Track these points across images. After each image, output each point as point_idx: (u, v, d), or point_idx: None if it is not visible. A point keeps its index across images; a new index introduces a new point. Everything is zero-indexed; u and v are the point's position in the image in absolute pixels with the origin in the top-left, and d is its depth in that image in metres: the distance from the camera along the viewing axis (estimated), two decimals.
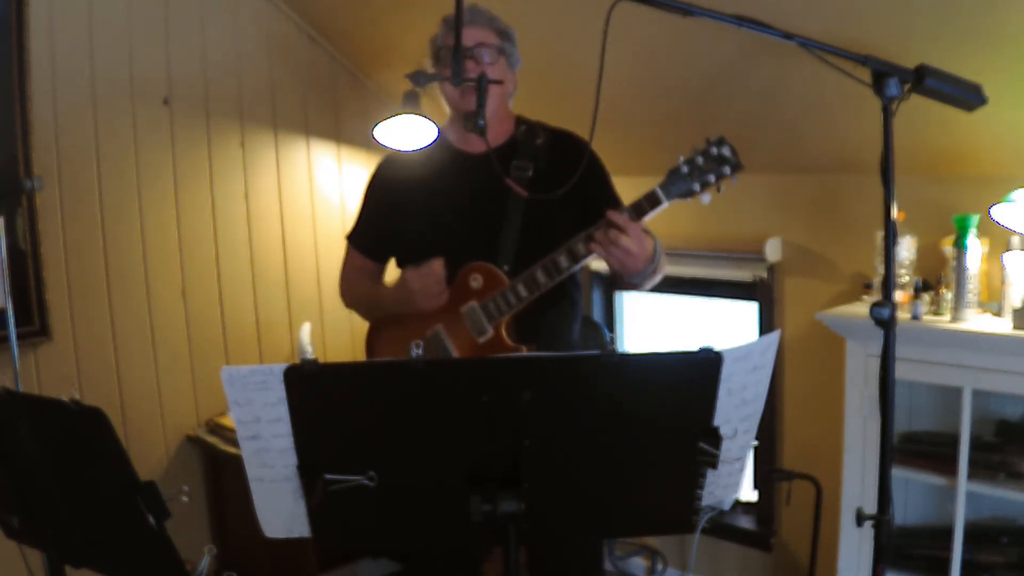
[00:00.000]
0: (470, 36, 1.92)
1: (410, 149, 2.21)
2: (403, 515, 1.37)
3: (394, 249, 2.15)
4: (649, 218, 1.82)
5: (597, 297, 3.45)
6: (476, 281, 1.94)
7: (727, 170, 1.78)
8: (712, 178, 1.78)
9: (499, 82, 1.99)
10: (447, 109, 2.07)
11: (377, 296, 2.12)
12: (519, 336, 1.96)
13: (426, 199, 2.04)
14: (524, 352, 1.93)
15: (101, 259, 2.94)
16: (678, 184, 1.79)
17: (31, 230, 2.73)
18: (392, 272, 2.20)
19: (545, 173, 1.97)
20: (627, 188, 2.41)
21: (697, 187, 1.78)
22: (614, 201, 2.05)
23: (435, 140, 2.14)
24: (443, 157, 2.08)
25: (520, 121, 2.09)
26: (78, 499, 1.50)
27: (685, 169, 1.79)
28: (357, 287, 2.20)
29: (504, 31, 2.01)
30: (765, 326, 2.99)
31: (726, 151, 1.78)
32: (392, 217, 2.09)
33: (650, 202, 1.80)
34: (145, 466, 3.03)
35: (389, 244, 2.15)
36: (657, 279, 1.98)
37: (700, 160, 1.79)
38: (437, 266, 1.93)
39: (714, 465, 1.32)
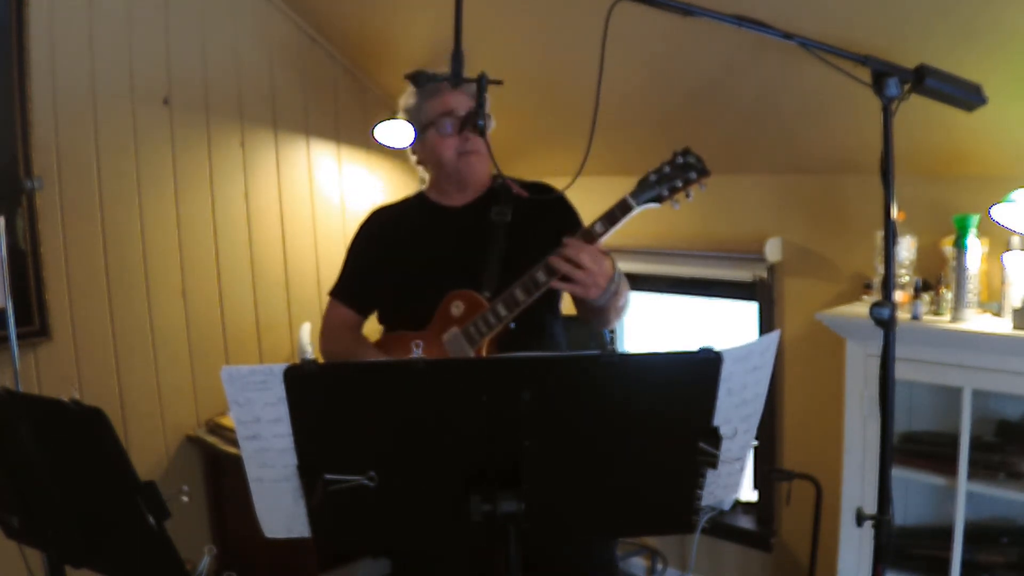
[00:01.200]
0: (459, 102, 2.01)
1: (392, 204, 2.28)
2: (403, 515, 1.37)
3: (378, 301, 2.18)
4: (621, 225, 1.86)
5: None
6: (457, 308, 1.98)
7: (693, 175, 1.84)
8: (679, 183, 1.84)
9: (499, 82, 2.00)
10: (426, 175, 2.16)
11: (357, 355, 2.12)
12: None
13: (411, 248, 2.10)
14: None
15: (101, 259, 2.94)
16: (647, 191, 1.85)
17: (31, 230, 2.73)
18: (371, 325, 2.22)
19: (523, 216, 2.04)
20: (627, 187, 2.41)
21: (665, 192, 1.85)
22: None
23: (415, 200, 2.21)
24: (424, 212, 2.16)
25: (495, 176, 2.13)
26: (78, 499, 1.50)
27: (653, 178, 1.86)
28: (342, 342, 2.19)
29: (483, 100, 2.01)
30: (765, 326, 2.99)
31: (691, 159, 1.85)
32: (378, 270, 2.13)
33: (621, 209, 1.85)
34: (145, 466, 3.03)
35: (374, 296, 2.17)
36: (621, 307, 1.98)
37: (667, 169, 1.86)
38: (426, 337, 1.97)
39: (714, 465, 1.32)
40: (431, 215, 2.14)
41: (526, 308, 1.89)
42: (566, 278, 1.82)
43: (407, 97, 2.12)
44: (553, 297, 2.07)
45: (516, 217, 2.04)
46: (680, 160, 1.85)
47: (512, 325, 1.93)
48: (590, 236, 1.84)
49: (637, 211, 1.85)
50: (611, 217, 1.85)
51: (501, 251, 2.00)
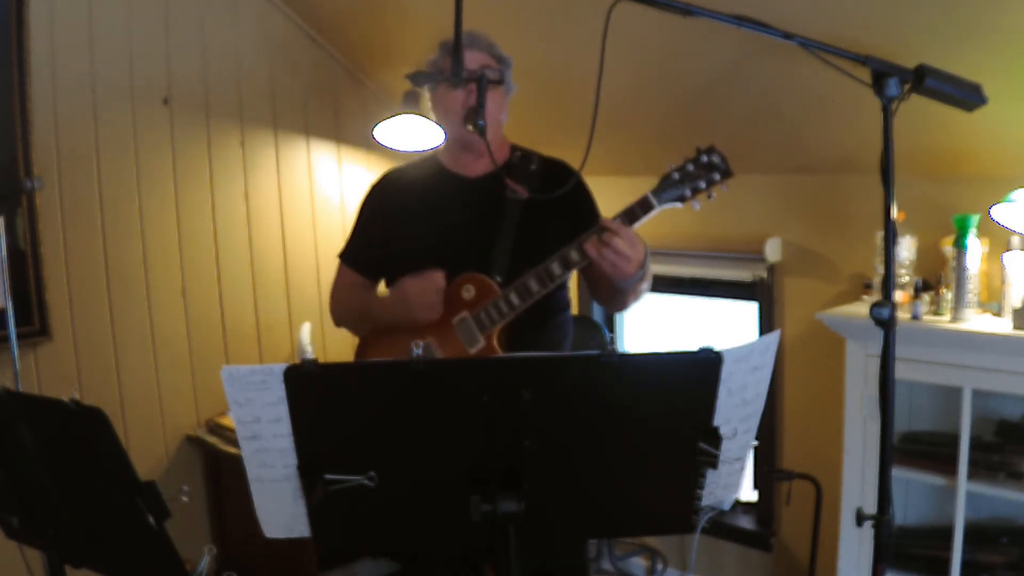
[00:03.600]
0: (472, 59, 1.96)
1: (407, 160, 2.22)
2: (403, 515, 1.37)
3: (387, 267, 2.14)
4: (640, 223, 1.85)
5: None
6: (468, 292, 1.95)
7: (717, 176, 1.83)
8: (703, 184, 1.83)
9: (500, 81, 2.02)
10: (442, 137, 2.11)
11: (369, 306, 2.11)
12: (510, 347, 1.97)
13: (422, 219, 2.06)
14: None
15: (101, 259, 2.94)
16: (669, 190, 1.83)
17: (31, 230, 2.73)
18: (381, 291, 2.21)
19: (540, 196, 2.00)
20: (627, 188, 2.41)
21: (688, 192, 1.83)
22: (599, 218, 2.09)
23: (429, 164, 2.15)
24: (438, 180, 2.10)
25: (515, 148, 2.11)
26: (78, 499, 1.50)
27: (676, 176, 1.84)
28: (348, 300, 2.18)
29: (502, 57, 2.04)
30: (765, 326, 2.99)
31: (716, 159, 1.83)
32: (387, 235, 2.10)
33: (642, 207, 1.84)
34: (145, 466, 3.03)
35: (382, 262, 2.14)
36: (642, 292, 1.99)
37: (691, 167, 1.83)
38: (438, 276, 1.94)
39: (714, 465, 1.32)
40: (446, 183, 2.08)
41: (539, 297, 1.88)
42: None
43: (432, 53, 2.07)
44: (562, 284, 2.03)
45: (532, 198, 2.00)
46: (704, 159, 1.83)
47: (522, 313, 1.92)
48: (631, 218, 1.82)
49: (658, 210, 1.83)
50: (631, 214, 1.84)
51: (513, 231, 1.97)
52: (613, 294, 1.98)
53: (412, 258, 2.03)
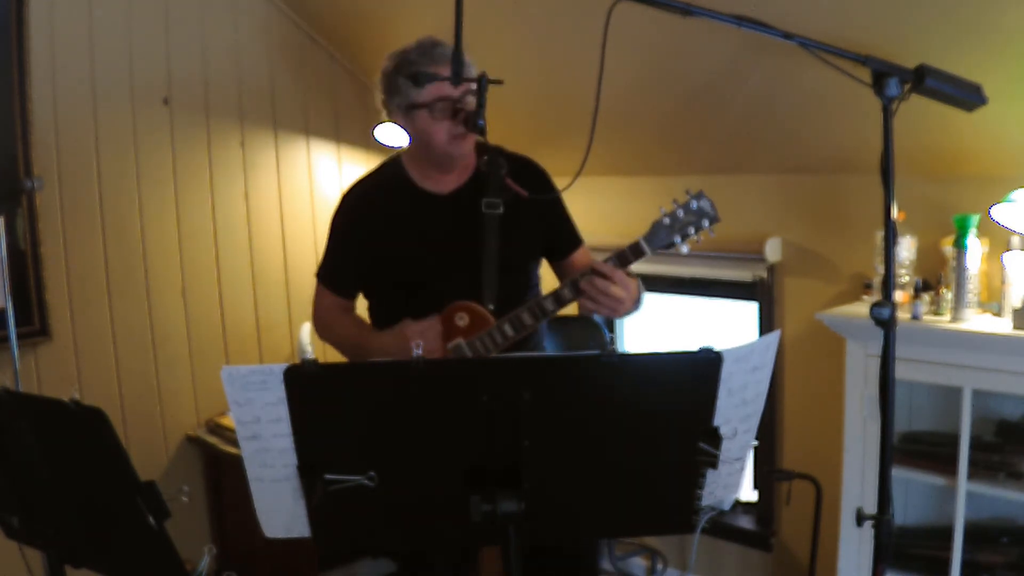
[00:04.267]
0: (457, 88, 1.93)
1: (369, 183, 2.17)
2: (403, 515, 1.37)
3: (366, 287, 2.14)
4: (630, 267, 1.90)
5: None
6: (462, 319, 1.96)
7: (705, 223, 1.89)
8: (691, 231, 1.88)
9: (499, 82, 2.00)
10: (407, 143, 2.06)
11: (361, 338, 2.10)
12: None
13: (401, 239, 2.04)
14: None
15: (101, 259, 2.94)
16: (660, 236, 1.89)
17: (31, 230, 2.73)
18: (361, 306, 2.21)
19: (513, 205, 2.00)
20: (627, 188, 2.41)
21: (678, 239, 1.88)
22: (569, 222, 2.17)
23: (396, 179, 2.10)
24: (409, 196, 2.06)
25: (479, 149, 2.06)
26: (78, 499, 1.50)
27: (667, 221, 1.88)
28: (339, 327, 2.16)
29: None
30: (765, 326, 2.99)
31: (705, 204, 1.88)
32: (363, 255, 2.08)
33: (634, 253, 1.89)
34: (145, 466, 3.00)
35: (361, 281, 2.14)
36: (635, 313, 2.03)
37: (680, 213, 1.88)
38: (437, 324, 1.97)
39: (714, 465, 1.32)
40: (419, 203, 2.05)
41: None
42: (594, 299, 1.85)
43: (390, 65, 2.01)
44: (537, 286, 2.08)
45: (508, 209, 2.00)
46: (694, 205, 1.87)
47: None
48: (624, 262, 1.87)
49: (648, 256, 1.89)
50: (623, 258, 1.88)
51: (496, 247, 1.98)
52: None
53: (397, 280, 2.05)
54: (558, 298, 1.89)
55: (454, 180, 2.06)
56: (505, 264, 1.99)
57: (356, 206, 2.12)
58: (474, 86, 1.86)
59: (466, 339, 1.96)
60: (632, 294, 1.89)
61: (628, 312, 1.93)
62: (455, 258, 2.00)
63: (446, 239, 2.02)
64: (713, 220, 1.88)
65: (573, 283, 1.87)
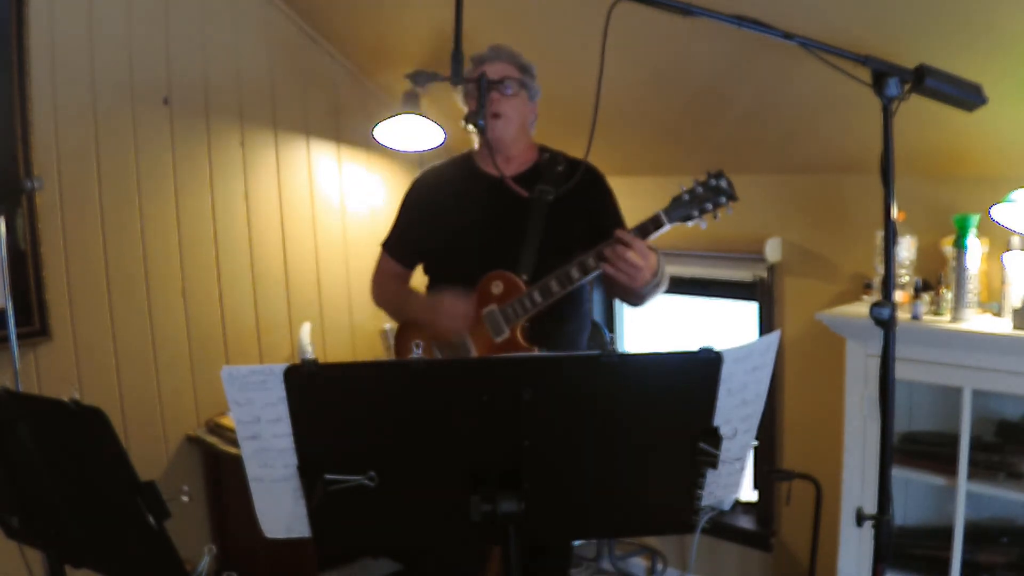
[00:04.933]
0: (495, 70, 2.13)
1: (445, 158, 2.39)
2: (403, 515, 1.37)
3: (424, 257, 2.35)
4: (652, 239, 1.99)
5: (597, 298, 3.45)
6: (497, 287, 2.11)
7: (723, 200, 1.98)
8: (709, 206, 1.98)
9: (499, 82, 2.11)
10: (476, 144, 2.29)
11: (406, 301, 2.34)
12: (532, 338, 2.13)
13: (456, 215, 2.22)
14: (535, 352, 2.10)
15: (101, 259, 2.94)
16: (679, 210, 1.99)
17: (31, 230, 2.73)
18: (418, 278, 2.40)
19: (565, 196, 2.14)
20: (627, 187, 2.41)
21: (696, 213, 1.98)
22: (621, 223, 2.25)
23: (464, 163, 2.32)
24: (473, 179, 2.27)
25: (543, 150, 2.28)
26: (78, 499, 1.50)
27: (686, 197, 1.99)
28: (388, 290, 2.39)
29: (525, 66, 2.21)
30: (765, 326, 2.99)
31: (723, 183, 1.98)
32: (425, 228, 2.28)
33: (654, 224, 1.99)
34: (145, 466, 3.00)
35: (420, 252, 2.34)
36: (659, 293, 2.13)
37: (700, 190, 1.98)
38: (472, 299, 2.14)
39: (714, 465, 1.32)
40: (476, 182, 2.24)
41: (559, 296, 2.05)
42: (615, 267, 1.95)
43: (468, 67, 2.20)
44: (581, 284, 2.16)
45: (558, 198, 2.15)
46: (713, 183, 1.98)
47: (543, 308, 2.07)
48: (644, 233, 1.97)
49: (668, 227, 1.98)
50: (643, 230, 1.98)
51: (540, 231, 2.13)
52: (627, 294, 2.13)
53: (446, 251, 2.24)
54: (583, 266, 1.99)
55: (513, 168, 2.22)
56: (547, 243, 2.12)
57: (423, 183, 2.35)
58: (509, 74, 2.11)
59: (499, 305, 2.10)
60: (651, 264, 1.98)
61: (647, 284, 2.00)
62: (500, 233, 2.15)
63: (493, 215, 2.18)
64: (731, 197, 1.97)
65: (597, 251, 1.97)
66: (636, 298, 2.14)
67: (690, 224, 1.99)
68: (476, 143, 2.27)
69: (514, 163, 2.23)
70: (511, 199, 2.16)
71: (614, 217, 2.24)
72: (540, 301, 2.05)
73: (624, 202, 2.31)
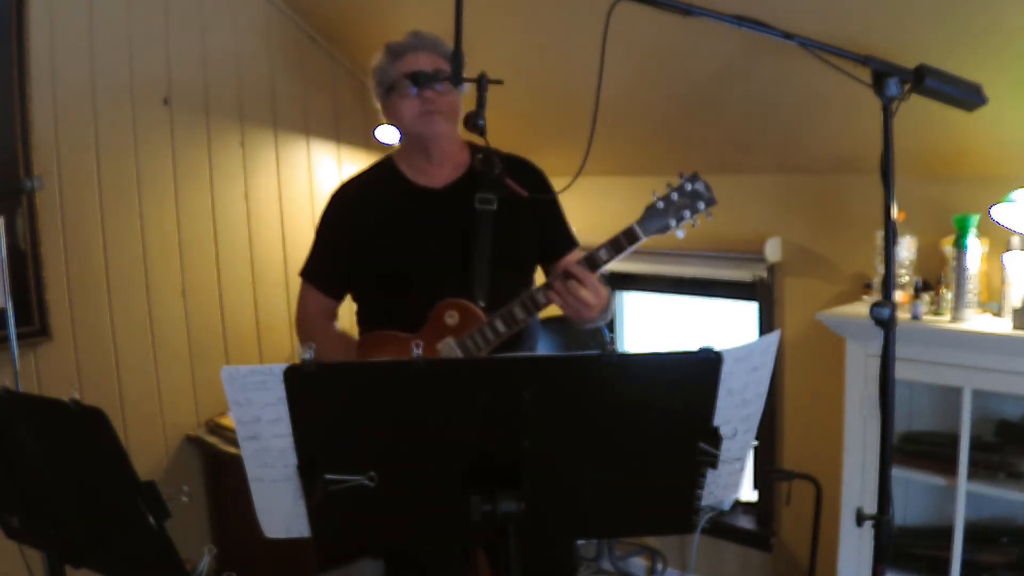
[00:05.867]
0: (421, 63, 1.93)
1: (359, 178, 2.15)
2: (403, 515, 1.37)
3: (353, 285, 2.10)
4: (626, 254, 1.85)
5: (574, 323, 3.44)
6: (452, 318, 1.91)
7: (701, 206, 1.83)
8: (687, 214, 1.83)
9: (499, 82, 2.01)
10: (397, 138, 2.04)
11: (339, 354, 2.06)
12: None
13: (391, 235, 2.00)
14: None
15: (101, 259, 2.94)
16: (655, 220, 1.83)
17: (31, 230, 2.73)
18: (347, 308, 2.17)
19: (508, 203, 1.97)
20: (627, 187, 2.41)
21: (673, 223, 1.83)
22: (564, 224, 2.13)
23: (388, 173, 2.07)
24: (400, 191, 2.03)
25: (473, 149, 2.06)
26: (78, 499, 1.50)
27: (661, 205, 1.83)
28: (320, 334, 2.09)
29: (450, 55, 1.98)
30: (765, 326, 2.99)
31: (700, 187, 1.83)
32: (352, 253, 2.03)
33: (628, 238, 1.83)
34: (145, 466, 3.03)
35: (348, 280, 2.09)
36: (603, 321, 1.97)
37: (675, 196, 1.83)
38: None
39: (714, 465, 1.32)
40: (410, 197, 2.02)
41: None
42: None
43: (377, 58, 2.03)
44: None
45: (502, 205, 1.96)
46: (688, 187, 1.82)
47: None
48: (594, 264, 1.82)
49: (643, 240, 1.84)
50: (617, 245, 1.83)
51: (489, 245, 1.94)
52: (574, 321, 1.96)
53: (383, 277, 2.00)
54: (534, 302, 1.86)
55: (447, 175, 2.03)
56: (498, 262, 1.95)
57: (345, 201, 2.09)
58: (440, 67, 1.90)
59: (456, 337, 1.90)
60: (601, 301, 1.85)
61: (593, 320, 1.88)
62: (445, 253, 1.96)
63: (436, 234, 1.98)
64: (709, 202, 1.83)
65: (545, 287, 1.84)
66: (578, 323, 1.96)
67: (667, 234, 1.84)
68: (399, 147, 2.09)
69: (448, 167, 2.02)
70: (452, 213, 1.97)
71: (561, 222, 2.13)
72: (503, 331, 1.87)
73: (624, 203, 2.30)
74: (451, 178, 2.03)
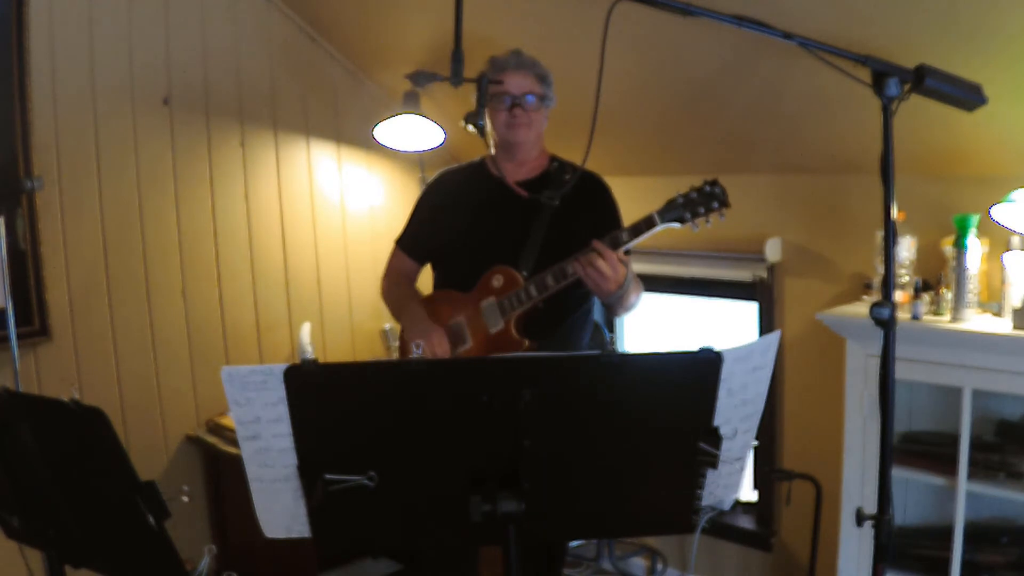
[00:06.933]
0: (516, 84, 2.22)
1: (460, 168, 2.49)
2: (403, 515, 1.37)
3: (431, 255, 2.45)
4: (644, 238, 2.06)
5: (597, 298, 3.45)
6: (498, 281, 2.21)
7: (716, 205, 2.04)
8: (702, 210, 2.05)
9: (499, 82, 2.11)
10: (491, 148, 2.36)
11: (405, 308, 2.40)
12: (528, 332, 2.19)
13: (463, 215, 2.32)
14: (527, 345, 2.18)
15: (101, 259, 2.94)
16: (672, 211, 2.06)
17: (31, 230, 2.73)
18: (426, 274, 2.50)
19: (569, 204, 2.24)
20: (627, 188, 2.41)
21: (688, 216, 2.05)
22: (620, 226, 2.30)
23: (478, 167, 2.41)
24: (480, 179, 2.38)
25: (553, 159, 2.36)
26: (78, 499, 1.50)
27: (680, 200, 2.06)
28: (395, 289, 2.48)
29: (544, 76, 2.29)
30: (765, 326, 2.99)
31: (718, 190, 2.05)
32: (437, 227, 2.39)
33: (647, 224, 2.06)
34: (145, 466, 3.00)
35: (431, 250, 2.44)
36: (630, 305, 2.24)
37: (695, 195, 2.05)
38: (444, 339, 2.23)
39: (714, 465, 1.32)
40: (487, 186, 2.33)
41: (555, 292, 2.12)
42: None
43: (487, 68, 2.27)
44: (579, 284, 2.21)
45: (563, 204, 2.24)
46: (708, 189, 2.04)
47: (541, 305, 2.16)
48: (615, 243, 2.05)
49: (660, 228, 2.05)
50: (636, 229, 2.06)
51: (543, 233, 2.21)
52: (602, 301, 2.21)
53: (451, 250, 2.34)
54: (562, 272, 2.09)
55: (523, 174, 2.32)
56: (548, 246, 2.18)
57: (437, 184, 2.45)
58: (532, 89, 2.21)
59: (498, 298, 2.19)
60: (618, 276, 2.05)
61: (615, 296, 2.08)
62: (505, 232, 2.23)
63: (500, 216, 2.27)
64: (723, 204, 2.04)
65: (572, 259, 2.07)
66: (607, 307, 2.22)
67: (681, 226, 2.05)
68: (492, 148, 2.35)
69: (525, 169, 2.32)
70: (517, 202, 2.26)
71: (617, 226, 2.26)
72: (535, 295, 2.13)
73: (624, 203, 2.32)
74: (526, 176, 2.32)
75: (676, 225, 2.05)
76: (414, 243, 2.48)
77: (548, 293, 2.13)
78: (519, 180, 2.31)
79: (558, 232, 2.22)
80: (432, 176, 2.50)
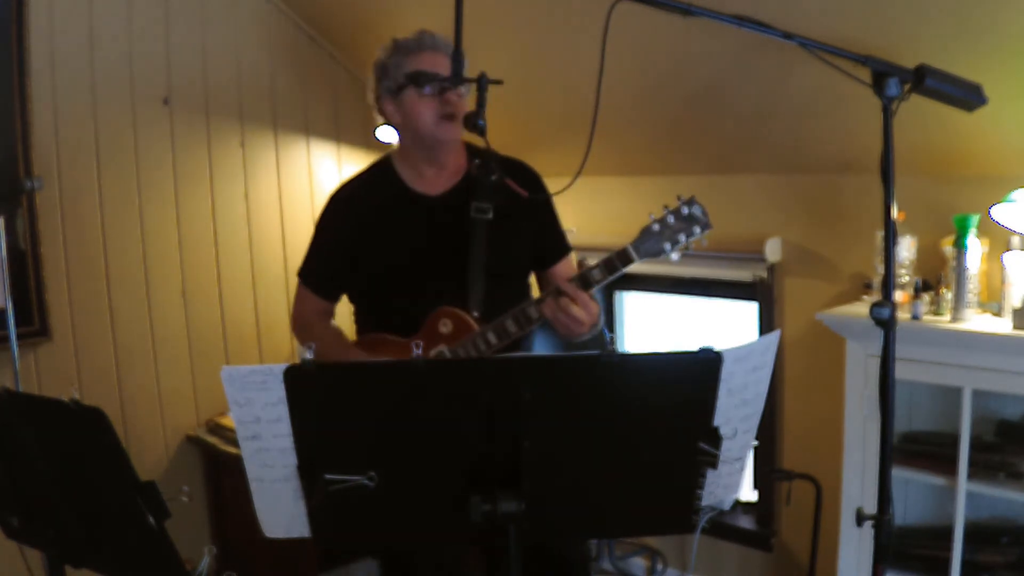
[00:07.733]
0: (439, 63, 1.92)
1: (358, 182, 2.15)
2: (403, 515, 1.37)
3: (351, 291, 2.12)
4: (620, 274, 1.85)
5: (597, 297, 3.45)
6: (445, 326, 1.93)
7: (696, 230, 1.83)
8: (682, 238, 1.83)
9: (499, 82, 2.01)
10: (397, 139, 2.04)
11: (336, 355, 2.05)
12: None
13: (388, 241, 2.01)
14: None
15: (101, 259, 2.94)
16: (649, 242, 1.83)
17: (31, 230, 2.73)
18: (345, 311, 2.18)
19: (504, 214, 1.98)
20: (627, 188, 2.42)
21: (668, 247, 1.83)
22: (558, 230, 2.15)
23: (386, 178, 2.08)
24: (398, 197, 2.04)
25: (470, 151, 2.07)
26: (78, 499, 1.50)
27: (656, 228, 1.83)
28: (317, 333, 2.10)
29: (459, 60, 1.96)
30: (765, 326, 2.99)
31: (697, 211, 1.82)
32: (348, 256, 2.05)
33: (622, 259, 1.83)
34: (145, 466, 3.03)
35: (344, 283, 2.11)
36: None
37: (671, 219, 1.82)
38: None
39: (714, 465, 1.32)
40: (407, 204, 2.03)
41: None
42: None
43: (382, 53, 2.03)
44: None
45: (497, 215, 1.98)
46: (685, 211, 1.82)
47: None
48: (587, 283, 1.83)
49: (637, 263, 1.84)
50: (610, 266, 1.83)
51: (483, 253, 1.96)
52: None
53: (378, 282, 2.02)
54: (526, 316, 1.87)
55: (444, 181, 2.04)
56: (492, 271, 1.97)
57: (343, 205, 2.10)
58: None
59: (449, 345, 1.93)
60: (591, 318, 1.85)
61: (582, 336, 1.89)
62: (441, 262, 1.98)
63: (432, 242, 2.00)
64: (704, 227, 1.83)
65: (537, 301, 1.86)
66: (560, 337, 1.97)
67: (661, 258, 1.84)
68: (401, 148, 2.08)
69: (446, 174, 2.04)
70: (448, 222, 1.98)
71: (556, 228, 2.14)
72: (495, 343, 1.88)
73: (624, 203, 2.31)
74: (448, 185, 2.04)
75: (656, 258, 1.85)
76: (324, 277, 2.11)
77: (510, 341, 1.88)
78: (442, 191, 2.02)
79: (498, 253, 1.97)
80: (332, 190, 2.15)
